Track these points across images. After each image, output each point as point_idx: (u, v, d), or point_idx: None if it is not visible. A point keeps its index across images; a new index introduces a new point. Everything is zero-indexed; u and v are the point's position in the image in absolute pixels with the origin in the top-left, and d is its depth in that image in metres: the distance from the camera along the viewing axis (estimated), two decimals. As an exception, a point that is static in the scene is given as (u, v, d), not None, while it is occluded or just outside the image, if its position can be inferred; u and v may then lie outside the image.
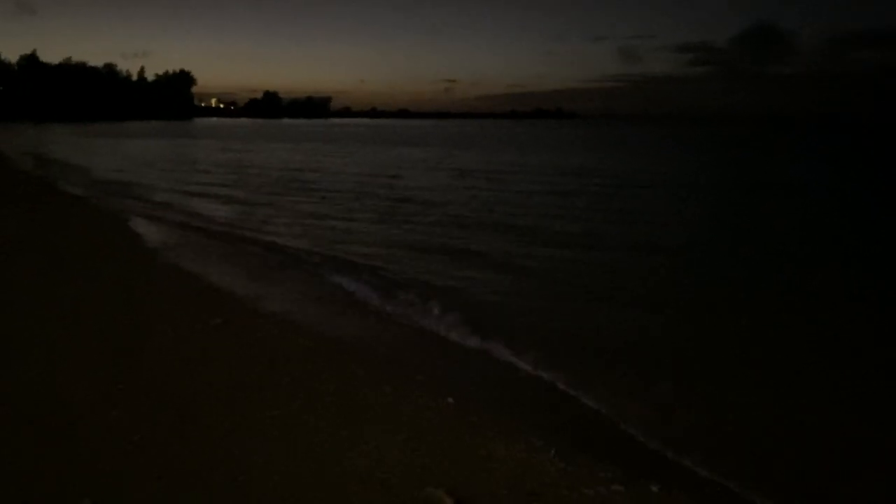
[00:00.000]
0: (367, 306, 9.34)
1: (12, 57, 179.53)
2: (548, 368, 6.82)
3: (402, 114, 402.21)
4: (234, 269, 11.39)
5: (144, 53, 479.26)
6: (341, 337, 7.76)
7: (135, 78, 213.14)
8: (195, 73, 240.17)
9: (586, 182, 27.24)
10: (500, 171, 32.79)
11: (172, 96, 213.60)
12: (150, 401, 5.33)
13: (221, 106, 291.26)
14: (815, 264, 12.42)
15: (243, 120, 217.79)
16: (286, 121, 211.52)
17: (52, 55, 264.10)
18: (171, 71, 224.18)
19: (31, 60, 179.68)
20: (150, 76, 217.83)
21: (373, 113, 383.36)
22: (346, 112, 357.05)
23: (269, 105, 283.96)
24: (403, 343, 7.75)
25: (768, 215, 18.67)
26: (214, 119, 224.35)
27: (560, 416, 5.81)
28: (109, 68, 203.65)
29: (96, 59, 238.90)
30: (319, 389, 5.75)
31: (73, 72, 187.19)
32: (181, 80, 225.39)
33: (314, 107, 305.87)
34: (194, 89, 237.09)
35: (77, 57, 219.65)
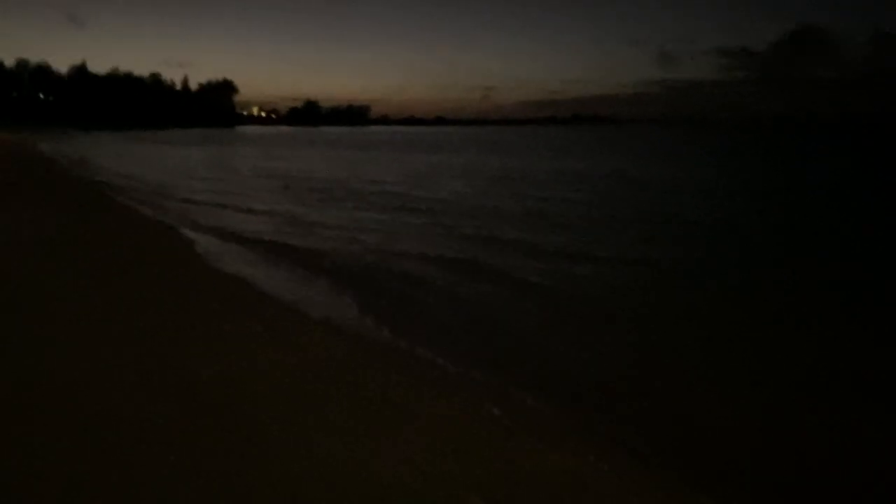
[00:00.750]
0: (406, 315, 9.25)
1: (63, 68, 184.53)
2: (596, 377, 6.68)
3: (440, 121, 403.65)
4: (277, 275, 11.38)
5: (189, 63, 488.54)
6: (382, 343, 7.72)
7: (179, 87, 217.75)
8: (237, 82, 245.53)
9: (607, 186, 26.95)
10: (528, 176, 32.59)
11: (215, 105, 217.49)
12: (192, 408, 5.28)
13: (263, 114, 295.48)
14: (848, 285, 11.73)
15: (284, 128, 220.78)
16: (325, 129, 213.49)
17: (100, 65, 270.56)
18: (213, 80, 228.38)
19: (80, 71, 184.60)
20: (193, 85, 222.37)
21: (410, 121, 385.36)
22: (384, 120, 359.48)
23: (309, 113, 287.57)
24: (444, 351, 7.66)
25: (810, 225, 17.88)
26: (256, 127, 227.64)
27: (616, 427, 5.65)
28: (155, 78, 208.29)
29: (142, 69, 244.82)
30: (362, 395, 5.66)
31: (119, 81, 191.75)
32: (223, 89, 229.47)
33: (353, 115, 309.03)
34: (236, 98, 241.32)
35: (124, 67, 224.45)
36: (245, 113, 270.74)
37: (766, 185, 29.81)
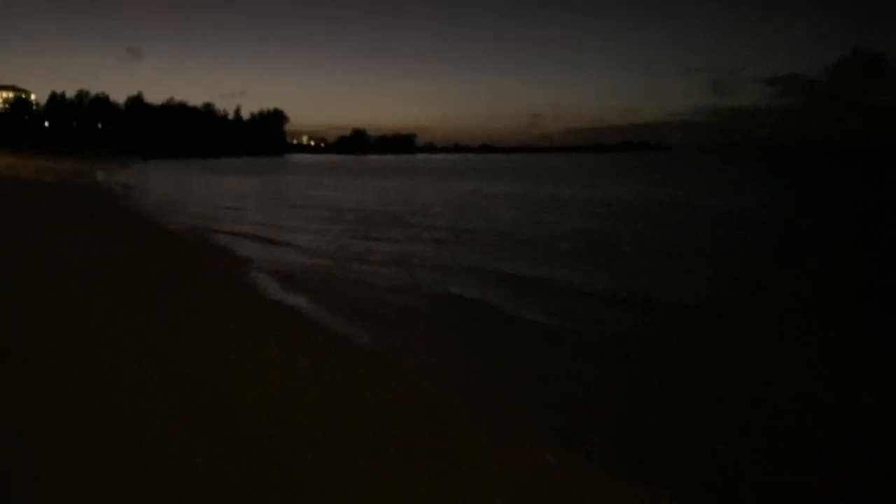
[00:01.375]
0: (462, 349, 9.00)
1: (121, 98, 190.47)
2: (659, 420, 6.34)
3: (486, 149, 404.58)
4: (328, 304, 11.19)
5: (241, 93, 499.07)
6: (435, 379, 7.44)
7: (231, 116, 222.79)
8: (288, 112, 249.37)
9: (661, 216, 26.34)
10: (577, 205, 32.13)
11: (266, 133, 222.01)
12: (233, 446, 5.11)
13: (312, 143, 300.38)
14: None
15: (332, 156, 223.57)
16: (373, 157, 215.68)
17: (156, 96, 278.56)
18: (265, 110, 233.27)
19: (136, 101, 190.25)
20: (245, 114, 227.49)
21: (456, 148, 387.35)
22: (430, 148, 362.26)
23: (357, 142, 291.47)
24: (502, 392, 7.39)
25: (869, 256, 17.03)
26: (305, 155, 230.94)
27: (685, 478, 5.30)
28: (208, 107, 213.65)
29: (196, 99, 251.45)
30: (412, 440, 5.45)
31: (174, 111, 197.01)
32: (274, 119, 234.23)
33: (400, 143, 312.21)
34: (287, 127, 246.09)
35: (179, 97, 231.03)
36: (295, 141, 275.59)
37: (821, 212, 28.82)
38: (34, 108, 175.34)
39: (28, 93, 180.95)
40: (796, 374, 7.91)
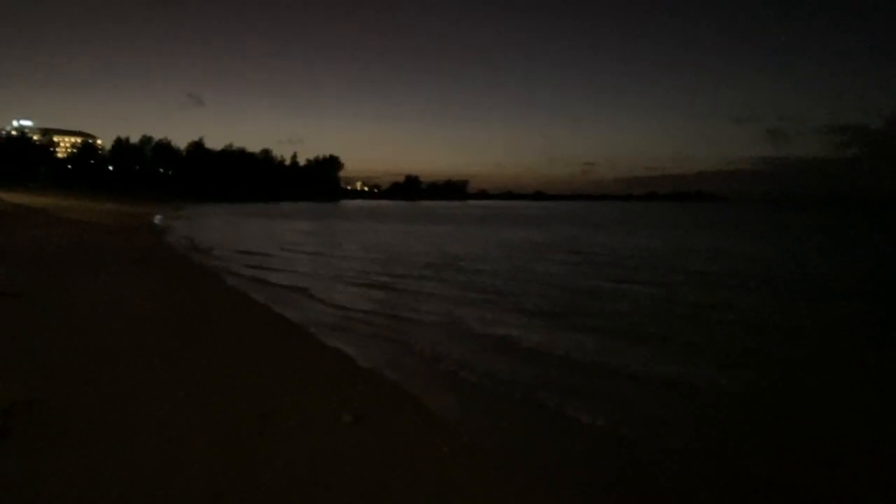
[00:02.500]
0: (512, 404, 8.36)
1: (182, 143, 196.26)
2: None
3: (538, 196, 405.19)
4: (377, 352, 10.79)
5: (298, 140, 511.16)
6: (486, 441, 6.88)
7: (288, 162, 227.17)
8: (342, 158, 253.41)
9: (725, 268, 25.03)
10: (632, 256, 31.02)
11: (321, 179, 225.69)
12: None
13: (366, 189, 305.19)
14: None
15: (385, 202, 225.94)
16: (424, 203, 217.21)
17: (216, 142, 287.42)
18: (320, 156, 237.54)
19: (197, 146, 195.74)
20: (301, 161, 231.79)
21: (509, 195, 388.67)
22: (482, 194, 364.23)
23: (409, 188, 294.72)
24: (552, 451, 6.68)
25: None
26: (359, 201, 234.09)
27: None
28: (265, 153, 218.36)
29: (255, 145, 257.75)
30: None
31: (232, 156, 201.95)
32: (329, 165, 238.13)
33: (452, 189, 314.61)
34: (341, 173, 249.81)
35: (238, 143, 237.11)
36: (349, 187, 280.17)
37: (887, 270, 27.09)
38: (100, 152, 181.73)
39: (95, 138, 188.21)
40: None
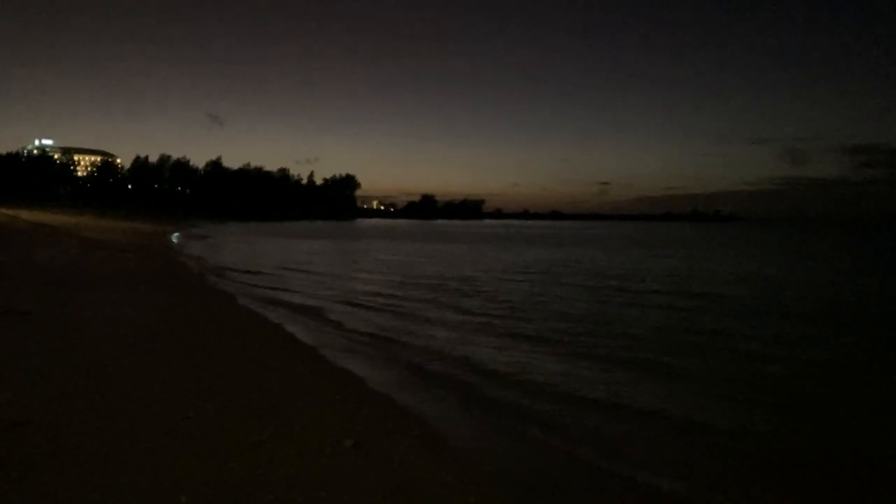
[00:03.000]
0: (523, 436, 8.07)
1: (201, 163, 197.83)
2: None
3: (554, 215, 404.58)
4: (385, 374, 10.58)
5: (315, 159, 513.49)
6: (493, 471, 6.56)
7: (304, 181, 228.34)
8: (359, 177, 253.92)
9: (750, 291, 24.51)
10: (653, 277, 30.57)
11: (338, 198, 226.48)
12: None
13: (382, 208, 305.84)
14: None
15: (400, 221, 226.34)
16: (440, 222, 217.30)
17: (233, 161, 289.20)
18: (337, 175, 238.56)
19: (215, 166, 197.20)
20: (318, 180, 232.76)
21: (525, 215, 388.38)
22: (498, 214, 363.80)
23: (425, 207, 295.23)
24: (562, 488, 6.34)
25: None
26: (375, 220, 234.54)
27: None
28: (282, 172, 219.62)
29: (272, 165, 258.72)
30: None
31: (250, 176, 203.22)
32: (346, 184, 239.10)
33: (467, 209, 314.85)
34: (357, 192, 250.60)
35: (255, 162, 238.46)
36: (365, 206, 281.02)
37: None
38: (119, 171, 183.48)
39: (114, 157, 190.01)
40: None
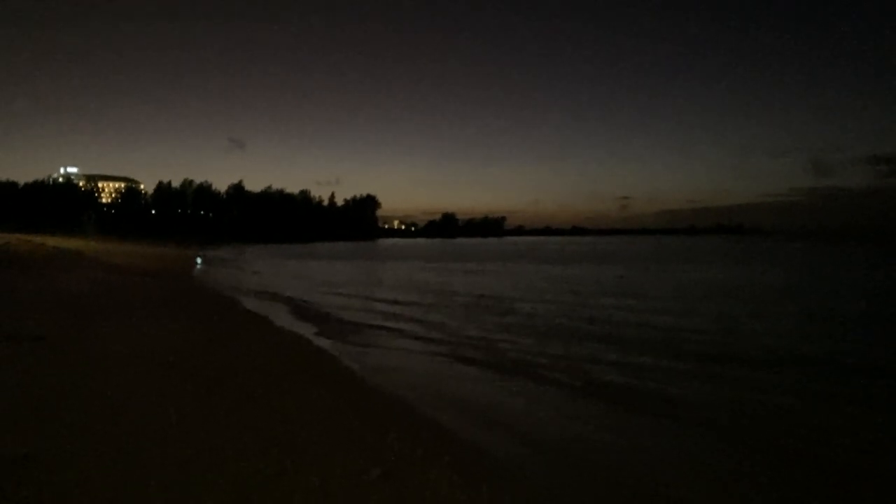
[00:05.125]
0: (566, 465, 7.67)
1: (223, 186, 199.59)
2: None
3: (576, 231, 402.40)
4: (415, 395, 10.21)
5: (336, 180, 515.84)
6: (521, 491, 6.13)
7: (326, 203, 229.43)
8: (379, 197, 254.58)
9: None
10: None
11: (359, 219, 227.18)
12: None
13: (402, 227, 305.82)
14: None
15: (421, 240, 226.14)
16: (461, 240, 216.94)
17: (255, 184, 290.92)
18: (358, 196, 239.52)
19: (237, 189, 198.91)
20: (339, 201, 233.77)
21: (546, 231, 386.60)
22: (519, 231, 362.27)
23: (446, 225, 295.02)
24: None
25: None
26: (396, 239, 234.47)
27: None
28: (304, 194, 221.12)
29: (293, 187, 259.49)
30: None
31: (272, 198, 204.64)
32: (367, 204, 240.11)
33: (489, 226, 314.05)
34: (378, 212, 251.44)
35: (277, 185, 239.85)
36: (386, 226, 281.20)
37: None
38: (143, 197, 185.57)
39: (138, 183, 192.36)
40: None
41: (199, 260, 59.97)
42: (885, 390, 10.99)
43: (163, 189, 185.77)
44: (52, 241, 61.13)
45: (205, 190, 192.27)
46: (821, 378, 11.67)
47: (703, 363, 12.81)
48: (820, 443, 8.14)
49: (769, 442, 8.16)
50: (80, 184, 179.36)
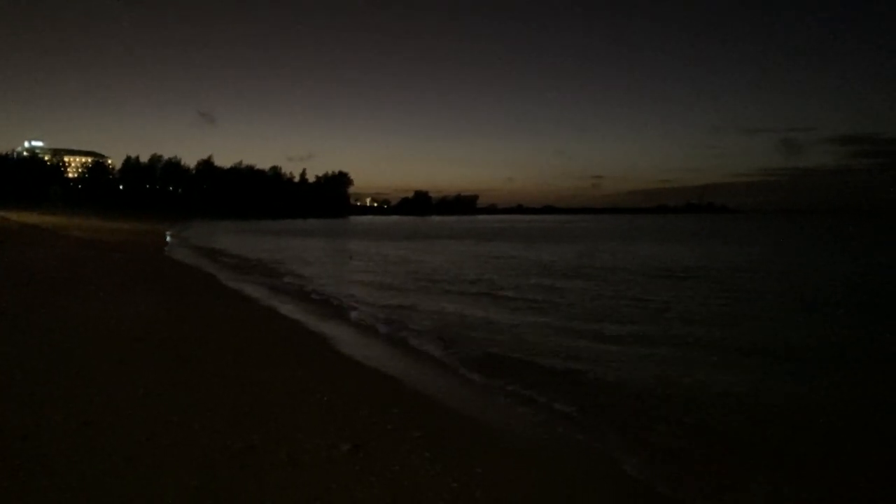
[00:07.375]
0: (538, 438, 7.63)
1: (193, 162, 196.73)
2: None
3: (548, 209, 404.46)
4: (385, 368, 10.09)
5: (308, 156, 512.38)
6: (504, 476, 6.01)
7: (297, 179, 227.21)
8: (352, 174, 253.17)
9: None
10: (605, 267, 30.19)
11: (330, 196, 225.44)
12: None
13: (375, 205, 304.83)
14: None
15: (394, 217, 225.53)
16: (435, 218, 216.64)
17: (225, 160, 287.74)
18: (330, 172, 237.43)
19: (206, 165, 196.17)
20: (310, 177, 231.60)
21: (519, 209, 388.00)
22: (492, 209, 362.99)
23: (419, 203, 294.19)
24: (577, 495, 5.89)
25: None
26: (368, 217, 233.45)
27: None
28: (275, 170, 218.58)
29: (264, 163, 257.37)
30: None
31: (242, 174, 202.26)
32: (339, 181, 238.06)
33: (462, 204, 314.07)
34: (350, 189, 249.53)
35: (248, 160, 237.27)
36: (358, 203, 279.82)
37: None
38: (110, 171, 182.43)
39: (105, 157, 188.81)
40: None
41: (165, 235, 59.17)
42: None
43: (130, 164, 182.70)
44: (15, 217, 59.95)
45: (174, 165, 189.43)
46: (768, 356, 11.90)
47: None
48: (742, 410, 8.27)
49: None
50: (46, 158, 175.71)
